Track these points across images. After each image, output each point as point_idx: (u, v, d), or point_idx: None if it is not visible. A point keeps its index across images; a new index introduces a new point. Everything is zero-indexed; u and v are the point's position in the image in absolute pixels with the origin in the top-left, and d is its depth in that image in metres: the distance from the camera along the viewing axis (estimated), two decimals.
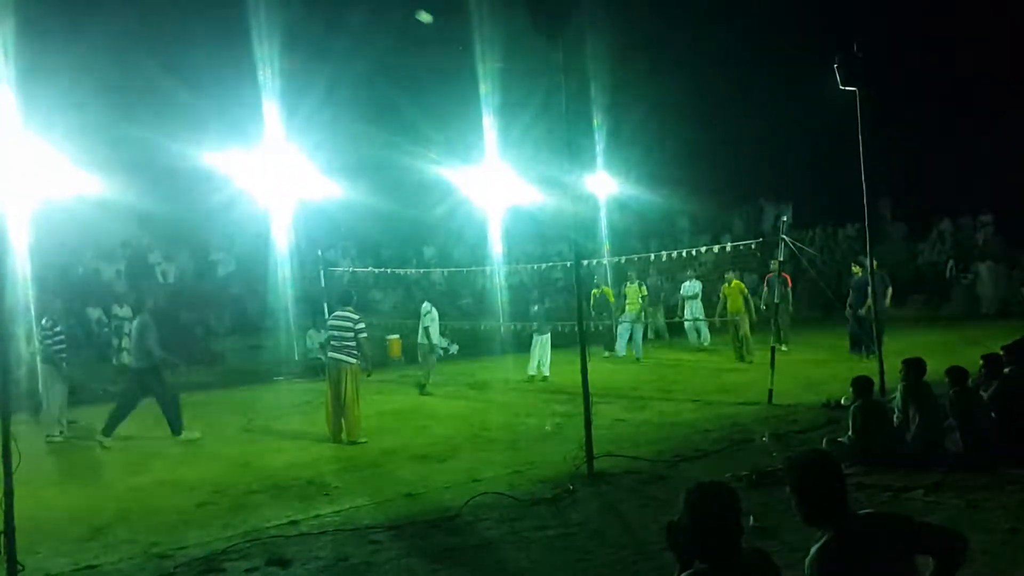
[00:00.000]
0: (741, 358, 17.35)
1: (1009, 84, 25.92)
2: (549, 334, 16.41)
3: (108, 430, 11.88)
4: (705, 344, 20.12)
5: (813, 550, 3.23)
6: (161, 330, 12.43)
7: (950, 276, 26.08)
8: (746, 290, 18.28)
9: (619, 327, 19.01)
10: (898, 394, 8.77)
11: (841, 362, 15.94)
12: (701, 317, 20.08)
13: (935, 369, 8.95)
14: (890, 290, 16.81)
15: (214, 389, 16.76)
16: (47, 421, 12.52)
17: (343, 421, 11.45)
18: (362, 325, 11.75)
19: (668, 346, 20.95)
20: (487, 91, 23.90)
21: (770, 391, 12.30)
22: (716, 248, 17.93)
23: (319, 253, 21.80)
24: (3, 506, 6.13)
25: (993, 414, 8.45)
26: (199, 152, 20.11)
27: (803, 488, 3.33)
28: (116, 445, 12.12)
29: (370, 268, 25.26)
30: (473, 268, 25.04)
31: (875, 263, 16.80)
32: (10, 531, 6.15)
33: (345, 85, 23.66)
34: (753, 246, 17.38)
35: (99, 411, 14.61)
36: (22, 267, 15.98)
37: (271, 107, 21.31)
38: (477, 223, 25.23)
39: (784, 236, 13.44)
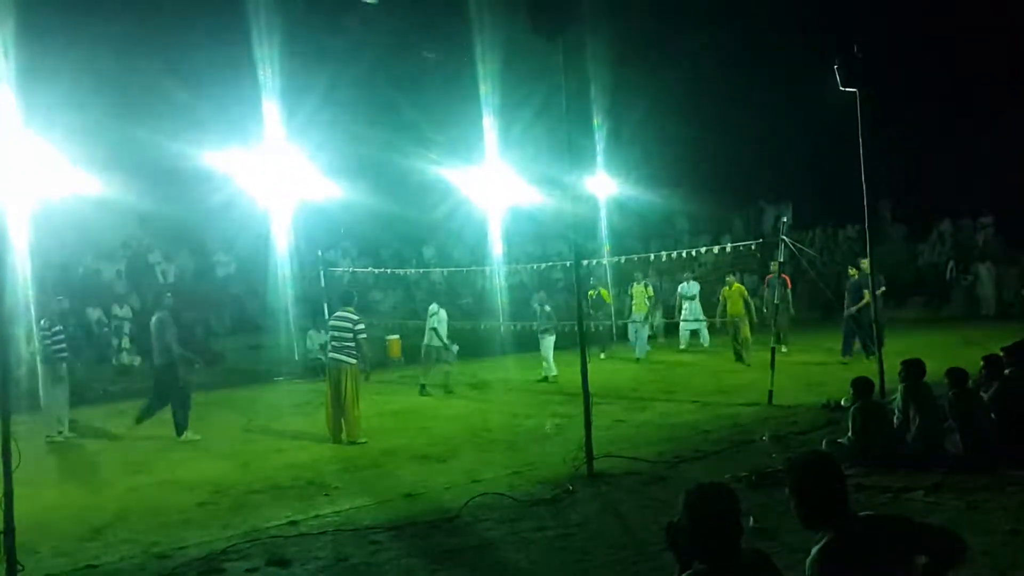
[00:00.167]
0: (740, 358, 17.35)
1: (1009, 85, 25.91)
2: (555, 336, 16.38)
3: (138, 418, 12.20)
4: (705, 345, 20.14)
5: (814, 551, 3.23)
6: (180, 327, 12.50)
7: (950, 277, 26.09)
8: (746, 293, 18.28)
9: (630, 328, 19.04)
10: (898, 395, 8.77)
11: (840, 363, 15.96)
12: (701, 318, 20.08)
13: (935, 370, 8.96)
14: (882, 289, 16.79)
15: (214, 389, 16.74)
16: (47, 421, 12.53)
17: (343, 421, 11.45)
18: (362, 326, 11.76)
19: (666, 347, 20.94)
20: (487, 91, 23.90)
21: (770, 392, 12.30)
22: (716, 249, 17.93)
23: (319, 253, 21.78)
24: (3, 506, 6.13)
25: (993, 415, 8.45)
26: (199, 152, 20.10)
27: (803, 490, 3.32)
28: (116, 445, 12.15)
29: (370, 268, 25.25)
30: (473, 268, 25.03)
31: (867, 265, 16.89)
32: (10, 531, 6.16)
33: (345, 85, 23.64)
34: (753, 247, 17.40)
35: (99, 411, 14.70)
36: (22, 267, 15.98)
37: (271, 107, 21.30)
38: (477, 223, 25.22)
39: (784, 237, 13.45)
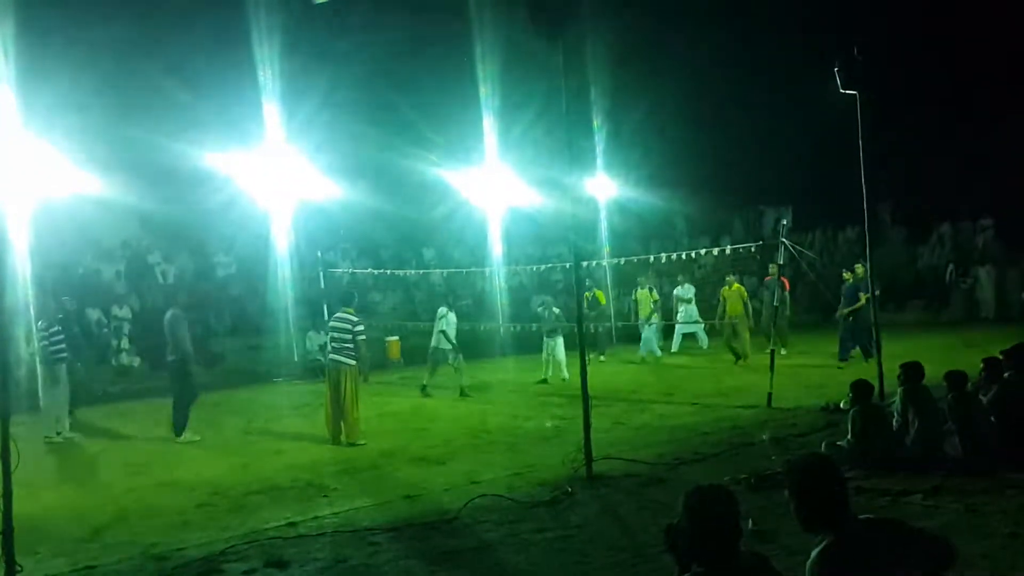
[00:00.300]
0: (737, 357, 17.34)
1: (1009, 87, 25.92)
2: (561, 338, 16.32)
3: (178, 428, 12.07)
4: (704, 347, 20.14)
5: (814, 554, 3.23)
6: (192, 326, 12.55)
7: (950, 280, 26.08)
8: (745, 293, 18.28)
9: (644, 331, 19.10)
10: (897, 398, 8.77)
11: (837, 368, 15.97)
12: (697, 320, 20.05)
13: (935, 373, 8.95)
14: (861, 295, 16.78)
15: (214, 390, 16.74)
16: (46, 422, 12.53)
17: (342, 423, 11.44)
18: (361, 327, 11.75)
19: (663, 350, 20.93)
20: (487, 93, 23.89)
21: (769, 394, 12.30)
22: (716, 251, 17.93)
23: (319, 254, 21.78)
24: (2, 507, 6.12)
25: (992, 418, 8.45)
26: (199, 153, 20.08)
27: (803, 492, 3.32)
28: (115, 446, 12.16)
29: (369, 269, 25.25)
30: (473, 269, 25.03)
31: (861, 269, 16.96)
32: (8, 531, 6.15)
33: (345, 86, 23.66)
34: (753, 249, 17.41)
35: (99, 412, 14.70)
36: (22, 267, 15.97)
37: (271, 108, 21.26)
38: (477, 224, 25.22)
39: (784, 239, 13.45)
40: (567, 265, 19.56)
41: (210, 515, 8.16)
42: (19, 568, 6.23)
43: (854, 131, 11.93)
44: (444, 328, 15.23)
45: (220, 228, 25.04)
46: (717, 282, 20.04)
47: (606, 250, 24.49)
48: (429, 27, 26.94)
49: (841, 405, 10.85)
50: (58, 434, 12.52)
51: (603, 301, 19.59)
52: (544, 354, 16.62)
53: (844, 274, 17.57)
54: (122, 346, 20.32)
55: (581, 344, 9.72)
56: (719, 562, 3.15)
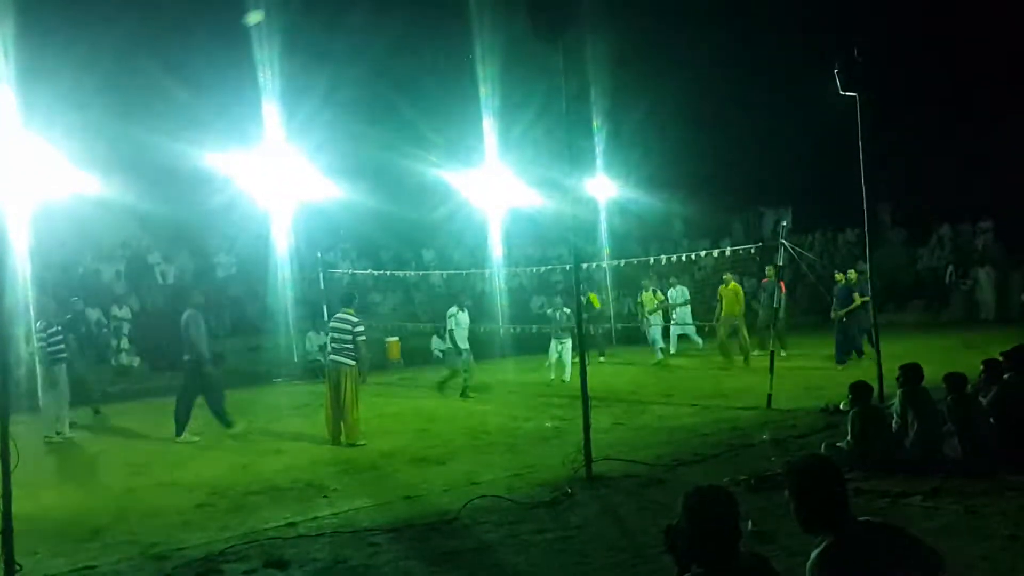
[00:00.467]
0: (728, 357, 17.33)
1: (1009, 88, 25.94)
2: (570, 340, 16.29)
3: (226, 423, 12.21)
4: (700, 347, 20.13)
5: (814, 554, 3.23)
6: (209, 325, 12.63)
7: (950, 282, 26.10)
8: (742, 293, 18.27)
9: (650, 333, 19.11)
10: (896, 399, 8.77)
11: (840, 367, 15.97)
12: (689, 322, 20.04)
13: (934, 375, 8.95)
14: (866, 297, 16.78)
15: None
16: (46, 422, 12.53)
17: (342, 423, 11.44)
18: (361, 328, 11.74)
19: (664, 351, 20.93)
20: (487, 94, 23.91)
21: (769, 396, 12.30)
22: (715, 252, 17.94)
23: (319, 255, 21.78)
24: (1, 506, 6.12)
25: (992, 420, 8.45)
26: (199, 153, 20.10)
27: (803, 493, 3.33)
28: (115, 446, 12.15)
29: (369, 270, 25.25)
30: (473, 271, 25.04)
31: (854, 274, 17.00)
32: (8, 531, 6.15)
33: (345, 87, 23.66)
34: (752, 251, 17.41)
35: (85, 412, 14.66)
36: (22, 267, 15.98)
37: (271, 108, 21.29)
38: (477, 226, 25.23)
39: (784, 241, 13.45)
40: (567, 267, 19.57)
41: (210, 515, 8.16)
42: (18, 568, 6.23)
43: (854, 132, 11.93)
44: (452, 328, 15.22)
45: (220, 228, 25.05)
46: (717, 283, 20.03)
47: (606, 252, 24.52)
48: (429, 28, 26.97)
49: (840, 406, 10.84)
50: (58, 434, 12.53)
51: (597, 305, 19.56)
52: (553, 356, 16.57)
53: (836, 275, 17.60)
54: (122, 346, 20.31)
55: (581, 345, 9.79)
56: (719, 563, 3.15)
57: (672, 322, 20.09)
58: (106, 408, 15.33)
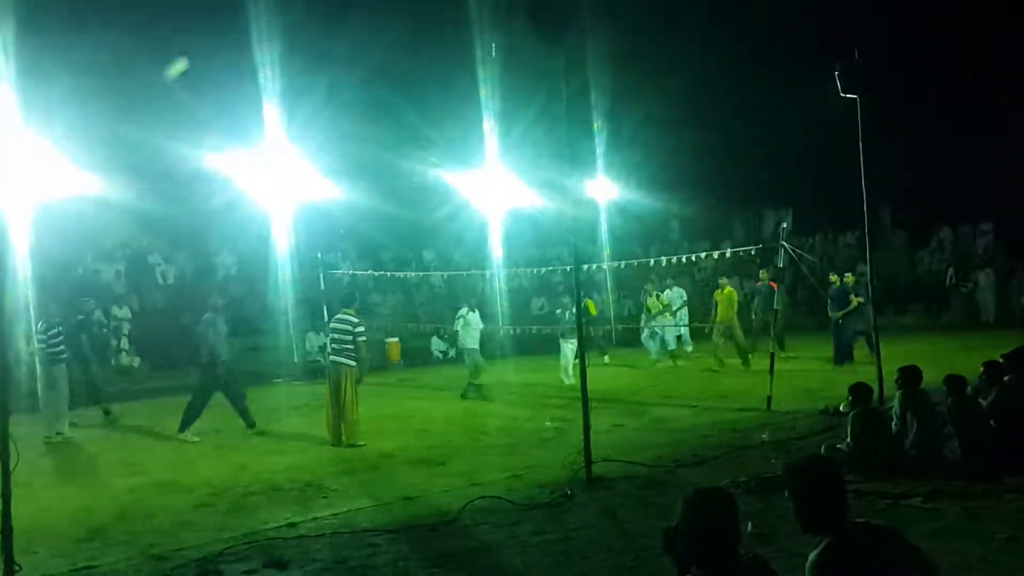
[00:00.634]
0: (721, 363, 17.34)
1: (1010, 90, 25.94)
2: (576, 341, 16.22)
3: (249, 422, 12.43)
4: (688, 350, 20.09)
5: (813, 555, 3.23)
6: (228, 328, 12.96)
7: (950, 284, 26.11)
8: (736, 297, 18.25)
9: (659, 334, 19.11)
10: (896, 401, 8.76)
11: (839, 370, 15.97)
12: (683, 323, 20.01)
13: (934, 377, 8.95)
14: (859, 299, 16.78)
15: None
16: (46, 422, 12.54)
17: (342, 424, 11.43)
18: (361, 328, 11.72)
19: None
20: (488, 94, 23.91)
21: (769, 397, 12.31)
22: (716, 254, 17.94)
23: (319, 255, 21.78)
24: (1, 506, 6.12)
25: (992, 422, 8.44)
26: (199, 153, 20.10)
27: (803, 493, 3.33)
28: (114, 446, 12.15)
29: (369, 271, 25.25)
30: (473, 271, 25.03)
31: (852, 279, 17.02)
32: (7, 531, 6.15)
33: (346, 87, 23.67)
34: (753, 252, 17.41)
35: (98, 413, 14.66)
36: (22, 267, 15.99)
37: (272, 108, 21.29)
38: (477, 227, 25.23)
39: (784, 243, 13.45)
40: (567, 268, 19.55)
41: (209, 515, 8.16)
42: (18, 568, 6.23)
43: (855, 134, 11.93)
44: (460, 328, 15.19)
45: (220, 228, 25.04)
46: (717, 285, 20.05)
47: (606, 253, 24.51)
48: (430, 28, 26.97)
49: (840, 408, 10.85)
50: (58, 434, 12.53)
51: (594, 312, 19.52)
52: (565, 359, 16.51)
53: (831, 276, 17.63)
54: (122, 346, 20.32)
55: (581, 347, 9.80)
56: (718, 564, 3.16)
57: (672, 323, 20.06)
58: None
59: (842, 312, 16.65)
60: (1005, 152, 25.01)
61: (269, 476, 9.68)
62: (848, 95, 11.67)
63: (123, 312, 21.17)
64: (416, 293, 26.68)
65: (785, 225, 17.45)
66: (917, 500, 7.35)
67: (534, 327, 19.60)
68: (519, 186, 23.94)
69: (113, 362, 20.04)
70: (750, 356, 17.20)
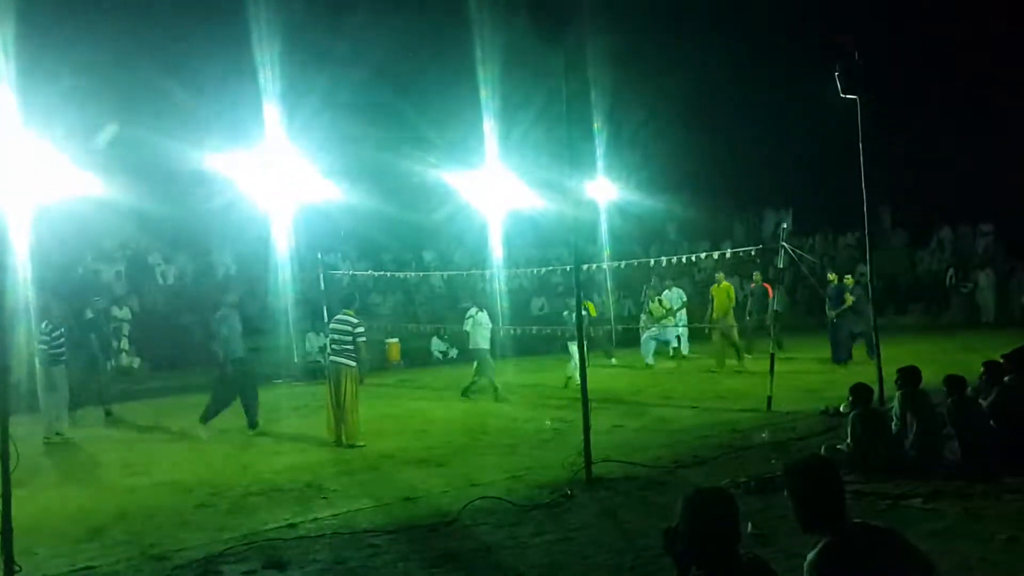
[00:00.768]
0: (719, 360, 17.32)
1: (1010, 90, 25.95)
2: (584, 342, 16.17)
3: (252, 422, 12.41)
4: (684, 352, 20.06)
5: (812, 555, 3.24)
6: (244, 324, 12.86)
7: (950, 284, 26.11)
8: (733, 291, 18.24)
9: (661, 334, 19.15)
10: (896, 402, 8.76)
11: (838, 370, 15.98)
12: (684, 323, 20.00)
13: (934, 377, 8.95)
14: (852, 299, 16.79)
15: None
16: (46, 422, 12.53)
17: (342, 424, 11.43)
18: (361, 329, 11.72)
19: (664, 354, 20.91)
20: (488, 95, 23.89)
21: (769, 398, 12.31)
22: (716, 254, 17.94)
23: (319, 256, 21.77)
24: (1, 507, 6.12)
25: (992, 422, 8.44)
26: (199, 154, 20.09)
27: (803, 493, 3.34)
28: (114, 447, 12.14)
29: (369, 271, 25.25)
30: (473, 272, 25.02)
31: (851, 280, 17.03)
32: (7, 531, 6.15)
33: (346, 87, 23.69)
34: (753, 253, 17.41)
35: (98, 413, 14.68)
36: (22, 268, 15.97)
37: (271, 109, 21.26)
38: (477, 227, 25.22)
39: (784, 243, 13.45)
40: (567, 268, 19.55)
41: (209, 516, 8.16)
42: (18, 568, 6.23)
43: (855, 135, 11.93)
44: (470, 328, 15.19)
45: (220, 229, 25.04)
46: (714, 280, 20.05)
47: (606, 253, 24.48)
48: (430, 29, 26.98)
49: (840, 409, 10.85)
50: (57, 434, 12.53)
51: (594, 314, 19.51)
52: (572, 360, 16.50)
53: (829, 275, 17.65)
54: (122, 346, 20.31)
55: (581, 348, 9.80)
56: (718, 565, 3.15)
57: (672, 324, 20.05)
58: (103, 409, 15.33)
59: (837, 311, 16.69)
60: (1005, 152, 25.02)
61: (269, 476, 9.68)
62: (848, 95, 11.66)
63: (123, 313, 21.16)
64: (416, 294, 26.67)
65: (785, 225, 17.41)
66: (917, 501, 7.35)
67: (534, 327, 19.58)
68: (519, 187, 23.91)
69: (113, 362, 20.03)
70: (746, 356, 17.21)
